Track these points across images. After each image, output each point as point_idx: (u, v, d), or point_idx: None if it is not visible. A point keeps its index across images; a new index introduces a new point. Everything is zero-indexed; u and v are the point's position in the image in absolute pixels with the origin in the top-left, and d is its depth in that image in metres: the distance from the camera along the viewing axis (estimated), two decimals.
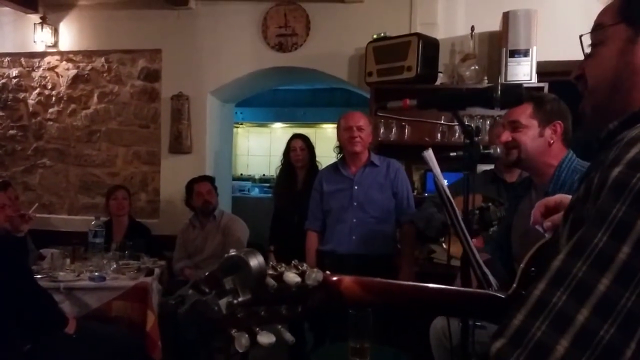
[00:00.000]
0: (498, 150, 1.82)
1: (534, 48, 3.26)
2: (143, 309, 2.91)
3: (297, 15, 4.10)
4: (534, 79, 3.27)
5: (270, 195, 6.33)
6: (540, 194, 1.75)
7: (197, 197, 3.78)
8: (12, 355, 2.40)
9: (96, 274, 3.04)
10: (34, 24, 4.41)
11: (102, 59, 4.48)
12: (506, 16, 3.34)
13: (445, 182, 1.25)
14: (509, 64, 3.29)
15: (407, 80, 3.49)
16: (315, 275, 0.76)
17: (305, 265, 0.78)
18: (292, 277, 0.74)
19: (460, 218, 1.15)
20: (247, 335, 0.72)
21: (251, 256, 0.71)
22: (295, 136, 3.79)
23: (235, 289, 0.70)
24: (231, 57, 4.24)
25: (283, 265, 0.77)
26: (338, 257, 2.93)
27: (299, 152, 3.64)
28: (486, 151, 1.88)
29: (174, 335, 3.14)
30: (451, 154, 1.89)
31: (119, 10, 4.38)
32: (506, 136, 1.85)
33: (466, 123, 1.53)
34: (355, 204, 2.96)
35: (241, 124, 8.07)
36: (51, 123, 4.56)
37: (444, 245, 2.82)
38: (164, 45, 4.35)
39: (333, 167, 3.14)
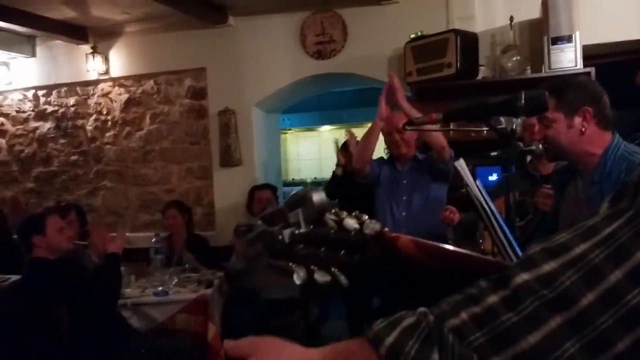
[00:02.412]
0: (540, 146, 1.79)
1: (577, 33, 3.15)
2: (204, 321, 3.02)
3: (334, 21, 4.14)
4: (579, 64, 3.16)
5: None
6: (586, 182, 1.70)
7: (257, 203, 3.91)
8: None
9: (159, 288, 3.18)
10: (86, 54, 4.67)
11: (151, 82, 4.69)
12: (545, 3, 3.24)
13: (479, 189, 1.25)
14: (552, 51, 3.19)
15: (448, 77, 3.46)
16: (373, 226, 0.80)
17: (365, 216, 0.82)
18: (351, 223, 0.79)
19: (494, 222, 1.15)
20: (304, 269, 0.78)
21: (314, 192, 0.77)
22: None
23: (298, 222, 0.77)
24: (272, 69, 4.34)
25: (345, 212, 0.82)
26: None
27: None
28: (528, 148, 1.86)
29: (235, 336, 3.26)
30: (492, 153, 1.88)
31: (163, 33, 4.57)
32: (540, 133, 1.80)
33: (501, 126, 1.52)
34: (404, 197, 2.96)
35: (289, 130, 8.21)
36: (109, 146, 4.82)
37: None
38: (207, 63, 4.50)
39: (388, 158, 3.14)
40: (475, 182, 1.41)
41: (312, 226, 0.77)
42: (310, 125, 8.02)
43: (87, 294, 2.59)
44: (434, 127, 2.37)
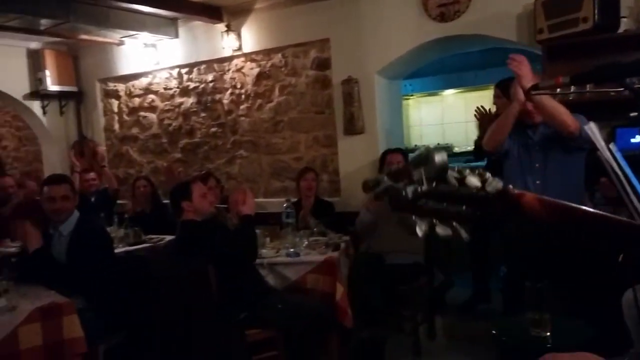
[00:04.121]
0: None
1: None
2: (333, 281, 3.21)
3: None
4: None
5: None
6: None
7: (388, 166, 4.00)
8: (231, 321, 2.89)
9: (291, 250, 3.43)
10: (221, 32, 5.03)
11: (279, 55, 4.93)
12: None
13: (611, 152, 1.18)
14: None
15: (584, 33, 3.20)
16: (495, 184, 0.84)
17: (488, 174, 0.86)
18: (473, 180, 0.84)
19: (629, 189, 1.10)
20: (427, 223, 0.85)
21: (436, 152, 0.84)
22: None
23: (421, 179, 0.83)
24: (394, 35, 4.32)
25: (468, 170, 0.87)
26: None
27: None
28: None
29: (364, 303, 3.42)
30: (631, 114, 1.75)
31: (290, 7, 4.75)
32: None
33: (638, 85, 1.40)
34: (537, 165, 2.82)
35: (411, 96, 8.09)
36: (243, 118, 5.19)
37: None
38: (331, 34, 4.61)
39: (517, 126, 2.92)
40: (609, 145, 1.33)
41: (434, 184, 0.81)
42: (433, 89, 7.82)
43: (229, 252, 2.89)
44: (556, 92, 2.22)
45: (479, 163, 4.25)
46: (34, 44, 5.89)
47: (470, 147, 4.65)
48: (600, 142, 1.17)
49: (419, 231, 0.83)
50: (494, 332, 2.31)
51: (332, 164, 4.76)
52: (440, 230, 0.83)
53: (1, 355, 2.39)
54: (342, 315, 3.18)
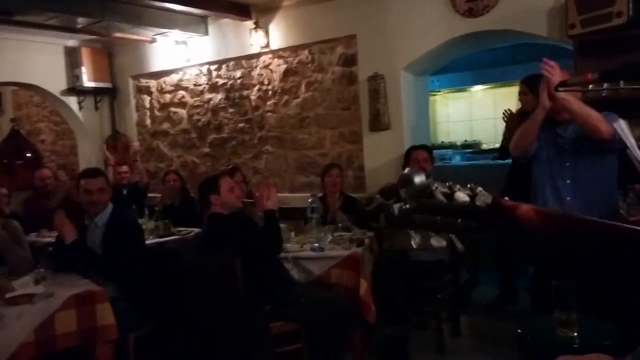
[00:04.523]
0: None
1: None
2: (356, 276, 3.24)
3: None
4: None
5: (472, 162, 6.26)
6: None
7: (413, 163, 3.96)
8: (256, 314, 2.96)
9: (316, 245, 3.47)
10: (249, 29, 5.11)
11: (306, 52, 4.98)
12: None
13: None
14: None
15: (618, 28, 3.14)
16: (484, 198, 0.89)
17: (479, 188, 0.91)
18: (461, 196, 0.89)
19: None
20: (420, 236, 0.92)
21: (415, 174, 0.91)
22: None
23: (405, 199, 0.91)
24: (420, 31, 4.31)
25: (458, 186, 0.92)
26: None
27: None
28: None
29: (386, 300, 3.45)
30: None
31: (317, 4, 4.79)
32: None
33: None
34: (567, 164, 2.76)
35: (439, 92, 8.04)
36: (270, 114, 5.27)
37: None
38: (358, 30, 4.64)
39: (546, 123, 2.85)
40: (637, 143, 1.33)
41: (415, 205, 0.88)
42: (461, 85, 7.75)
43: (255, 245, 2.96)
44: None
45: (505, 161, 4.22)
46: (71, 42, 6.09)
47: (499, 144, 4.62)
48: (630, 139, 1.17)
49: (414, 243, 0.90)
50: (519, 331, 2.30)
51: (358, 160, 4.79)
52: (435, 241, 0.89)
53: (39, 339, 2.51)
54: (365, 310, 3.21)
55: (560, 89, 1.61)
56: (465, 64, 7.17)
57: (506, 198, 0.88)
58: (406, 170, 0.92)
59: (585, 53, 3.41)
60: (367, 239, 3.66)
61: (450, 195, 0.87)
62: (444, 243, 0.89)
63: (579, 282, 2.17)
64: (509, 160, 4.00)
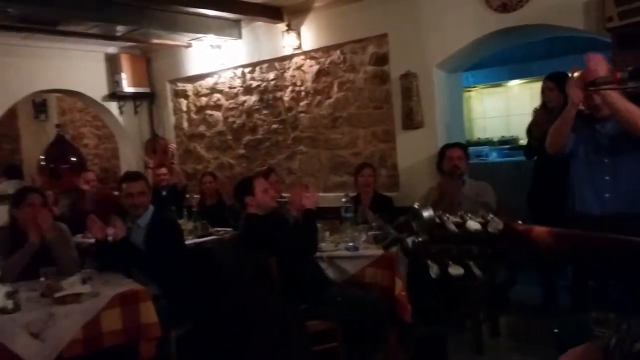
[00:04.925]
0: None
1: None
2: (391, 276, 3.25)
3: None
4: None
5: (509, 159, 6.15)
6: None
7: (447, 161, 3.95)
8: (292, 313, 3.01)
9: (350, 244, 3.50)
10: (282, 31, 5.18)
11: (338, 52, 5.01)
12: None
13: None
14: None
15: None
16: (496, 224, 0.92)
17: (490, 215, 0.94)
18: (472, 224, 0.93)
19: None
20: (437, 265, 0.95)
21: (424, 209, 0.95)
22: None
23: (417, 232, 0.95)
24: (453, 28, 4.28)
25: (469, 214, 0.96)
26: (590, 221, 2.66)
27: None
28: None
29: (422, 299, 3.45)
30: None
31: (348, 4, 4.81)
32: None
33: None
34: (606, 160, 2.71)
35: (474, 87, 7.93)
36: (303, 115, 5.32)
37: None
38: (389, 29, 4.63)
39: (584, 118, 2.82)
40: None
41: (427, 236, 0.92)
42: (497, 81, 7.62)
43: (290, 244, 3.02)
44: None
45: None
46: (111, 49, 6.31)
47: None
48: None
49: (432, 273, 0.93)
50: (555, 331, 2.29)
51: (391, 159, 4.79)
52: (453, 270, 0.92)
53: (86, 337, 2.64)
54: (401, 309, 3.20)
55: (591, 88, 1.59)
56: (500, 59, 7.04)
57: (519, 222, 0.90)
58: (415, 205, 0.97)
59: (624, 46, 3.33)
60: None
61: (461, 225, 0.91)
62: (461, 271, 0.93)
63: (619, 281, 2.14)
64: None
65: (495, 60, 6.87)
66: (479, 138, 7.83)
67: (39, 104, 8.11)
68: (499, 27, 4.07)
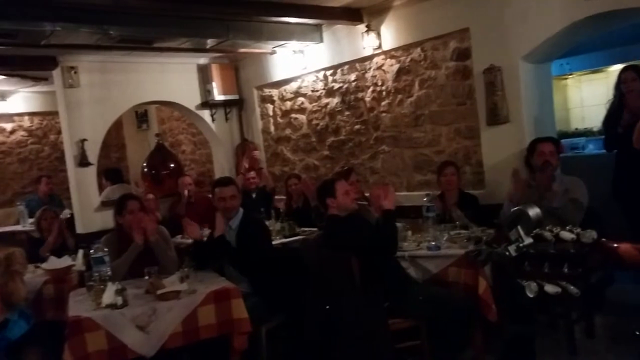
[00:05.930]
0: None
1: None
2: (474, 275, 3.20)
3: None
4: None
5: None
6: None
7: (538, 156, 3.76)
8: (377, 310, 3.08)
9: (432, 243, 3.49)
10: (362, 33, 5.24)
11: (418, 49, 4.98)
12: None
13: None
14: None
15: None
16: (589, 234, 0.93)
17: (578, 229, 0.95)
18: (567, 234, 0.94)
19: None
20: (535, 284, 0.96)
21: (529, 207, 0.96)
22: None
23: (519, 237, 0.96)
24: (538, 17, 4.09)
25: (559, 227, 0.97)
26: None
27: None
28: None
29: (511, 298, 3.36)
30: None
31: (427, 0, 4.76)
32: None
33: None
34: None
35: (570, 75, 7.49)
36: (384, 114, 5.35)
37: None
38: (471, 23, 4.52)
39: None
40: None
41: (532, 240, 0.92)
42: (596, 66, 7.13)
43: (370, 246, 3.08)
44: None
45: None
46: (202, 60, 6.72)
47: None
48: None
49: (529, 293, 0.95)
50: (637, 333, 2.17)
51: (475, 156, 4.68)
52: (550, 288, 0.94)
53: (186, 330, 2.90)
54: (485, 309, 3.17)
55: None
56: (600, 43, 6.56)
57: (604, 239, 0.91)
58: (519, 207, 0.98)
59: None
60: (485, 236, 3.59)
61: (556, 235, 0.93)
62: (559, 289, 0.94)
63: None
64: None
65: (594, 44, 6.41)
66: (577, 128, 7.38)
67: (141, 115, 8.82)
68: (588, 14, 3.83)
